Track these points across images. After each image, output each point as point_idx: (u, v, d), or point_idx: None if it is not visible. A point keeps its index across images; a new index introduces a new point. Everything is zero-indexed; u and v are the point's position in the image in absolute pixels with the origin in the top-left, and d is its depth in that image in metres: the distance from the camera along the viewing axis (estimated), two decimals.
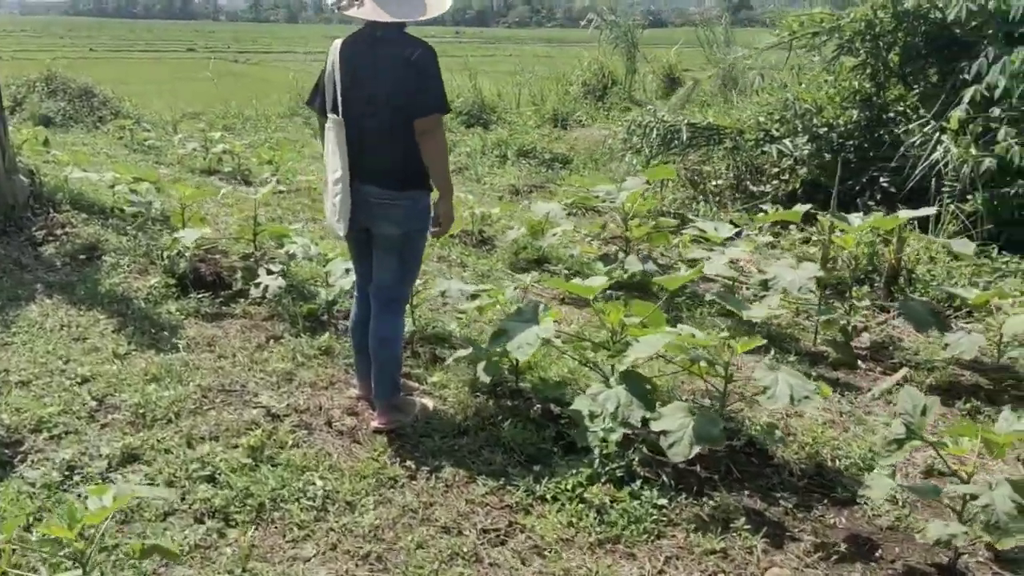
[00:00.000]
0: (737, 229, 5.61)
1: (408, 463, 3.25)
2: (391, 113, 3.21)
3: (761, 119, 8.30)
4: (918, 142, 7.01)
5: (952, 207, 6.60)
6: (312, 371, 4.00)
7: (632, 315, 3.80)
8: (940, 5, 7.37)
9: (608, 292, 5.71)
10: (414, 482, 3.15)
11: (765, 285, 4.63)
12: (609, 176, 8.66)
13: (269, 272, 4.77)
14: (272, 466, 3.14)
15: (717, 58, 11.79)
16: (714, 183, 8.81)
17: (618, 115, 13.42)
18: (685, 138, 8.01)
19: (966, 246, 4.70)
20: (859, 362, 4.66)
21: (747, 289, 5.66)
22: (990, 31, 7.21)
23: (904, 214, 4.73)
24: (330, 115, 3.34)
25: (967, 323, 4.96)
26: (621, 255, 5.86)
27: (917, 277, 5.67)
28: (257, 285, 4.70)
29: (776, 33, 8.19)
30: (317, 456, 3.26)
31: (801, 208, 5.09)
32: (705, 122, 8.25)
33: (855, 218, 4.91)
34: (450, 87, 15.97)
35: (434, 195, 3.39)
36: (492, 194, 9.54)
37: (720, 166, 8.68)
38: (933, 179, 6.88)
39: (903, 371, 4.45)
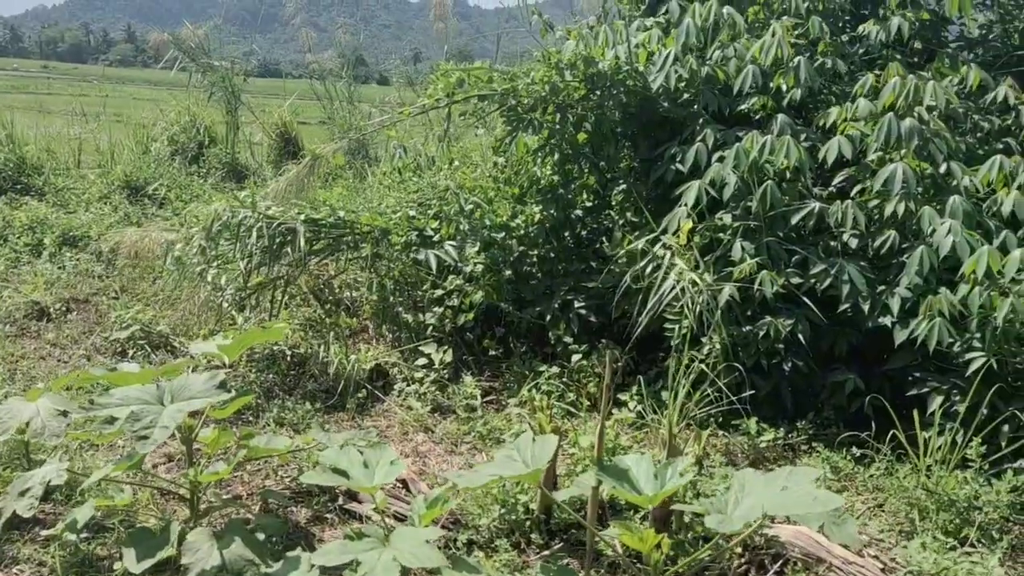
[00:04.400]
0: (395, 463, 2.92)
1: None
2: None
3: (412, 213, 5.78)
4: (626, 259, 4.96)
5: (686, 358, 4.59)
6: None
7: None
8: (641, 69, 5.48)
9: None
10: None
11: None
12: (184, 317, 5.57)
13: None
14: None
15: (342, 120, 9.18)
16: (353, 294, 6.12)
17: (216, 185, 10.24)
18: (303, 243, 5.19)
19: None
20: None
21: None
22: (697, 107, 5.46)
23: None
24: None
25: None
26: (175, 527, 2.86)
27: None
28: None
29: (428, 93, 5.76)
30: None
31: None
32: (332, 217, 5.51)
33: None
34: None
35: None
36: None
37: (359, 277, 6.03)
38: (658, 305, 4.84)
39: None
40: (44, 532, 3.20)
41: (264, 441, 3.17)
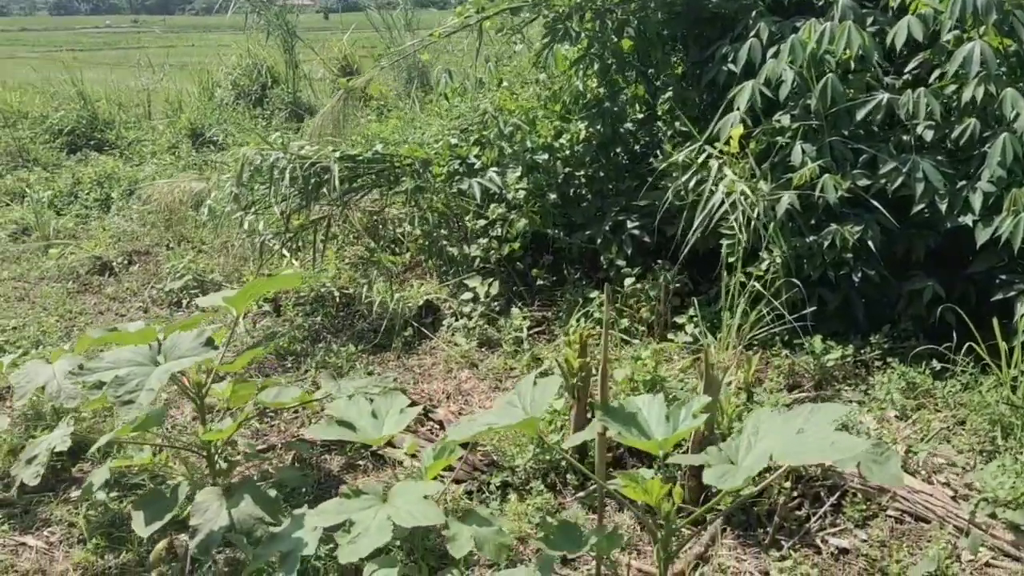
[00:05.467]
0: (411, 405, 2.76)
1: None
2: None
3: (453, 141, 5.54)
4: (676, 172, 4.61)
5: (740, 275, 4.25)
6: None
7: None
8: None
9: None
10: None
11: None
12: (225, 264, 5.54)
13: None
14: None
15: (391, 49, 8.92)
16: (399, 230, 5.96)
17: (279, 126, 10.19)
18: (337, 182, 5.03)
19: None
20: None
21: None
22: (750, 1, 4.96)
23: None
24: None
25: None
26: (183, 487, 2.80)
27: None
28: None
29: (457, 11, 5.43)
30: None
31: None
32: (369, 152, 5.32)
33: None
34: (49, 96, 11.83)
35: None
36: (54, 285, 5.97)
37: (403, 212, 5.86)
38: (708, 221, 4.49)
39: None
40: (75, 493, 3.23)
41: (273, 395, 3.08)
